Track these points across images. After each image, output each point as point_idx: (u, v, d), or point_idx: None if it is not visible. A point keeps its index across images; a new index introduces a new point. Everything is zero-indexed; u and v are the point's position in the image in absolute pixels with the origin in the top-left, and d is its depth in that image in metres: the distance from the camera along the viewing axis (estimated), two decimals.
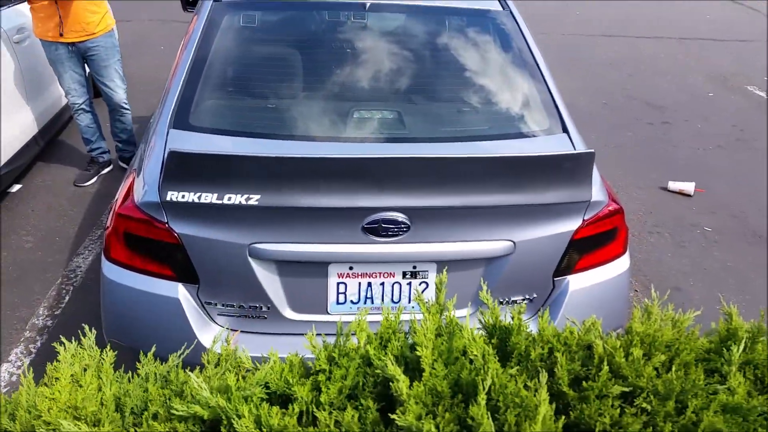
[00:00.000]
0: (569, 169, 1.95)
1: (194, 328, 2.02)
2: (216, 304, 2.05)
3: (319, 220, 1.93)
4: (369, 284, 2.05)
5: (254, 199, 1.85)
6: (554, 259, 2.10)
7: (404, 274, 2.05)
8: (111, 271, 2.09)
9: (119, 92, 4.14)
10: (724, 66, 7.53)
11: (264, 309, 2.05)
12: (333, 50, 2.65)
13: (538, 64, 2.53)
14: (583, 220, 2.05)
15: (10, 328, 2.97)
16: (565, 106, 2.42)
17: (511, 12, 2.77)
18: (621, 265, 2.25)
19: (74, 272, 3.39)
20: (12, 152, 3.87)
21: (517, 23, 2.70)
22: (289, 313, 2.06)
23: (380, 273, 2.05)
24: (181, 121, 2.23)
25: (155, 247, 2.00)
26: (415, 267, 2.04)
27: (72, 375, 1.13)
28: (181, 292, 2.02)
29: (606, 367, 1.07)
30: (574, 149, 2.24)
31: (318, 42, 2.70)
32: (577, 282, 2.15)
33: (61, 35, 3.80)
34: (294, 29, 2.74)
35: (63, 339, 1.17)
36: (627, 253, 2.31)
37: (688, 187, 4.49)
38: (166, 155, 1.86)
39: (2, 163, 3.73)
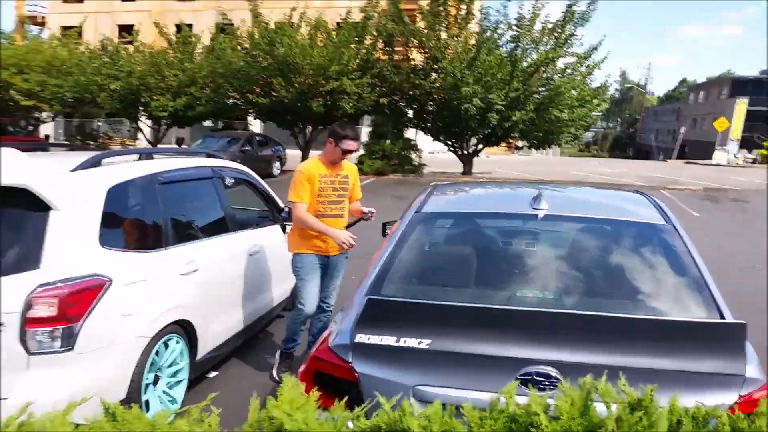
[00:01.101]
0: (720, 339, 2.04)
1: None
2: None
3: (478, 367, 2.17)
4: None
5: (425, 343, 2.17)
6: None
7: None
8: None
9: (335, 298, 4.61)
10: None
11: None
12: (507, 247, 3.10)
13: (697, 265, 2.69)
14: (739, 395, 2.05)
15: None
16: (724, 303, 2.52)
17: (674, 225, 2.97)
18: None
19: None
20: (216, 344, 4.31)
21: (679, 234, 2.88)
22: None
23: None
24: (375, 291, 2.71)
25: (337, 384, 2.32)
26: None
27: None
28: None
29: None
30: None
31: (494, 241, 3.17)
32: None
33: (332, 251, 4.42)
34: (475, 232, 3.25)
35: None
36: None
37: None
38: (363, 304, 2.30)
39: (207, 351, 4.24)
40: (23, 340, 2.87)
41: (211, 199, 4.49)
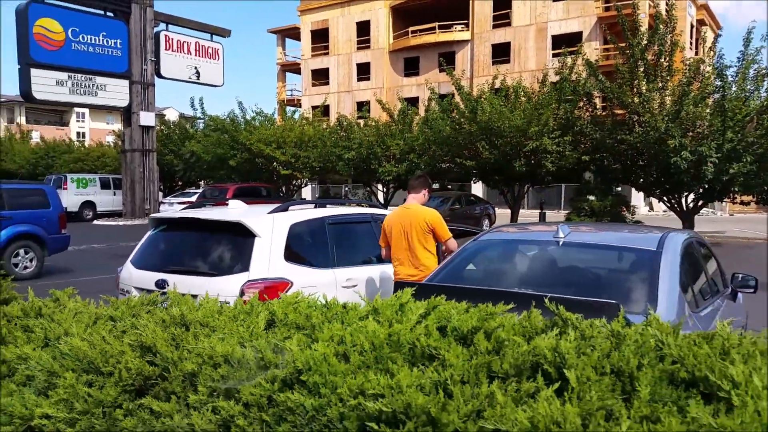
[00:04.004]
0: (603, 312, 2.97)
1: None
2: None
3: None
4: None
5: None
6: None
7: None
8: None
9: None
10: None
11: None
12: (535, 262, 4.24)
13: (659, 276, 3.54)
14: None
15: None
16: (670, 301, 3.36)
17: (661, 252, 3.76)
18: None
19: None
20: None
21: (661, 256, 3.72)
22: None
23: None
24: (429, 280, 4.10)
25: None
26: None
27: None
28: None
29: None
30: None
31: (519, 256, 4.34)
32: None
33: None
34: (505, 251, 4.45)
35: None
36: None
37: None
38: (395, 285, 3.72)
39: None
40: None
41: (369, 237, 6.18)
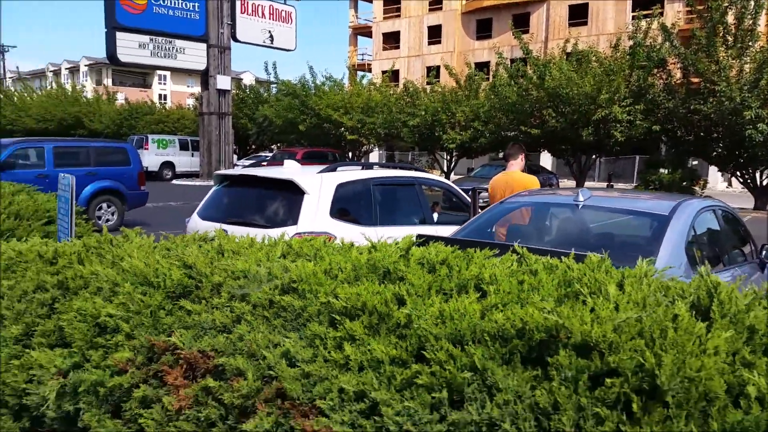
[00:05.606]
0: None
1: None
2: None
3: None
4: None
5: None
6: None
7: None
8: None
9: None
10: None
11: None
12: (553, 222, 4.52)
13: (663, 236, 3.76)
14: None
15: None
16: (671, 256, 3.60)
17: (671, 217, 3.91)
18: None
19: None
20: None
21: (669, 221, 3.85)
22: None
23: None
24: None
25: None
26: None
27: None
28: None
29: None
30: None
31: (546, 218, 4.63)
32: None
33: None
34: (536, 212, 4.75)
35: None
36: None
37: None
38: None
39: None
40: None
41: (412, 199, 6.57)
